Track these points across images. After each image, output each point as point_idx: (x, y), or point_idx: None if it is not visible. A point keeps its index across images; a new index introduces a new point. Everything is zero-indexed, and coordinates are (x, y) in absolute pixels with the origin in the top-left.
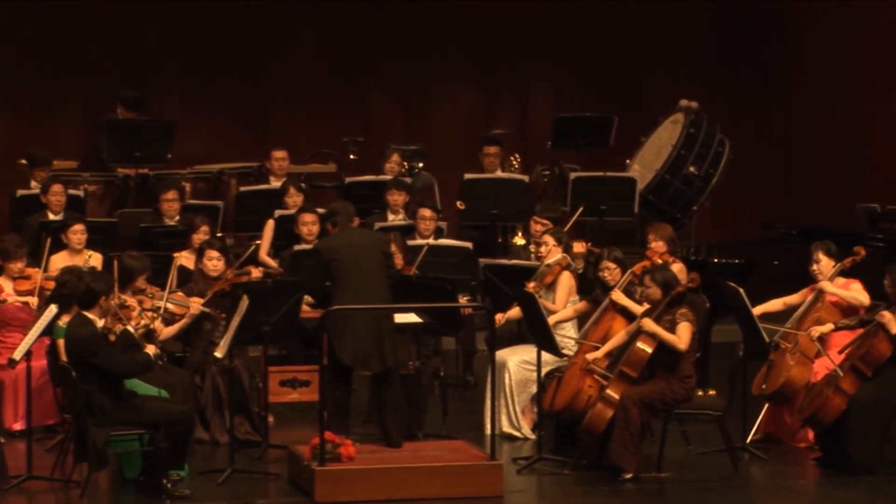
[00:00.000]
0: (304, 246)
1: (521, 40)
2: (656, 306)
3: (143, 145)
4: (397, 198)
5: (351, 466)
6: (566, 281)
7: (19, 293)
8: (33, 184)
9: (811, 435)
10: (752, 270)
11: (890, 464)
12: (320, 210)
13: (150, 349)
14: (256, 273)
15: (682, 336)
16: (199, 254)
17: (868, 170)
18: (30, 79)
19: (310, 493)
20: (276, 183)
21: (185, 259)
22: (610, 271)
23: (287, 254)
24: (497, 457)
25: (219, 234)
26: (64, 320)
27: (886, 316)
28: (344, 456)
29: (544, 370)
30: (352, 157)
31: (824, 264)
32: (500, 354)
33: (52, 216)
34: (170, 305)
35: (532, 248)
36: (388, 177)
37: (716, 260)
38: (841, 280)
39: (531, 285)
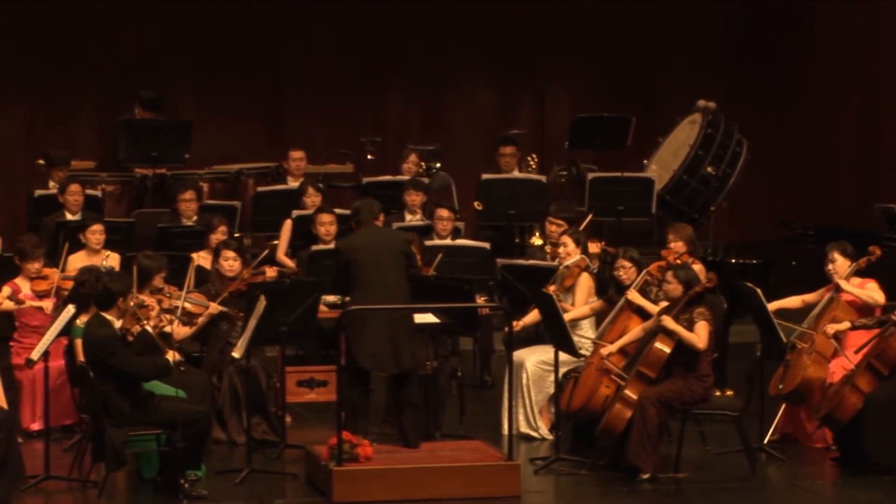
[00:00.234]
0: (321, 246)
1: (539, 40)
2: (674, 305)
3: (160, 145)
4: (415, 198)
5: (368, 466)
6: (585, 283)
7: (37, 293)
8: (51, 184)
9: (829, 435)
10: (770, 271)
11: None
12: (338, 210)
13: (172, 355)
14: (271, 273)
15: (700, 335)
16: (216, 254)
17: (884, 170)
18: (47, 79)
19: (327, 493)
20: (293, 183)
21: (202, 259)
22: (626, 270)
23: (304, 254)
24: (514, 457)
25: (236, 235)
26: (82, 320)
27: None
28: (361, 456)
29: (562, 370)
30: (369, 157)
31: (840, 264)
32: (518, 354)
33: (69, 216)
34: (188, 305)
35: (548, 248)
36: (406, 177)
37: (733, 260)
38: (857, 280)
39: (551, 289)
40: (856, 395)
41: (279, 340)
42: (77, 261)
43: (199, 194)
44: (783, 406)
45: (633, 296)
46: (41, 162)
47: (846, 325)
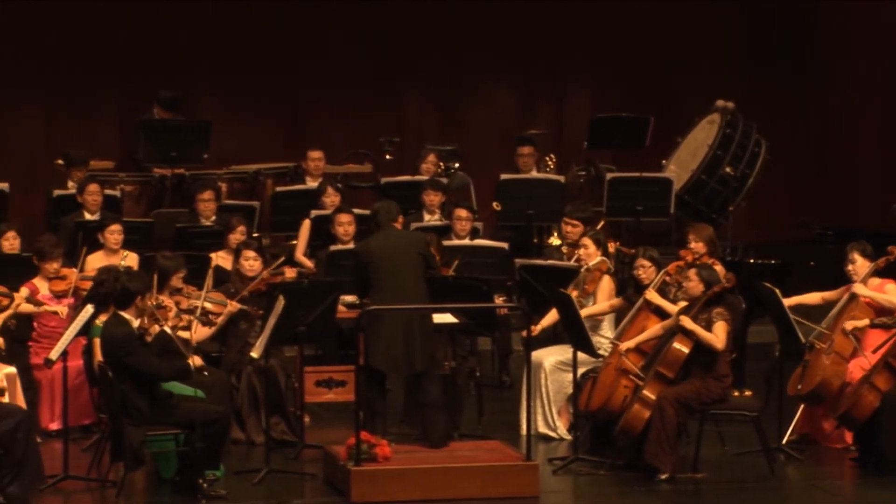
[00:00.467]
0: (340, 246)
1: (558, 40)
2: (693, 304)
3: (179, 146)
4: (433, 198)
5: (387, 467)
6: (606, 286)
7: (55, 293)
8: (70, 184)
9: (848, 436)
10: (788, 271)
11: None
12: (357, 210)
13: (196, 361)
14: (291, 273)
15: (718, 335)
16: (237, 254)
17: None
18: (66, 79)
19: (346, 493)
20: (312, 183)
21: (221, 259)
22: (645, 270)
23: (323, 254)
24: (533, 457)
25: (255, 235)
26: (101, 320)
27: None
28: (380, 456)
29: (580, 370)
30: (388, 157)
31: (860, 265)
32: (536, 355)
33: (88, 216)
34: (207, 305)
35: (564, 249)
36: (424, 177)
37: (752, 260)
38: (876, 280)
39: (574, 294)
40: (873, 394)
41: (298, 340)
42: (95, 261)
43: (217, 194)
44: (802, 406)
45: (652, 295)
46: (60, 162)
47: (865, 321)
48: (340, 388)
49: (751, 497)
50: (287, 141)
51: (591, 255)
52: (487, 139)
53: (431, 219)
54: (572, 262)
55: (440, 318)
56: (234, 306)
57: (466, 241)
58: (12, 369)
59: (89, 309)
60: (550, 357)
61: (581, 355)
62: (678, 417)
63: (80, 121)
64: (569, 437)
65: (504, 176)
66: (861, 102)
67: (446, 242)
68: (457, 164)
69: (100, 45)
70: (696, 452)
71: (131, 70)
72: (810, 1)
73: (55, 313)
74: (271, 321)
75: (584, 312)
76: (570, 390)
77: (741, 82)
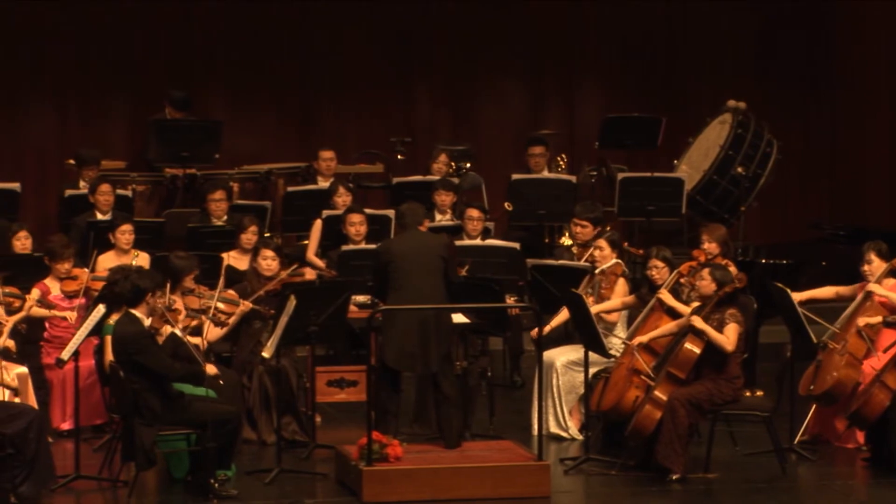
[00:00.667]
0: (351, 246)
1: (569, 40)
2: (705, 304)
3: (190, 145)
4: (445, 198)
5: (398, 466)
6: (621, 289)
7: (66, 294)
8: (81, 184)
9: (860, 435)
10: (800, 271)
11: None
12: (368, 210)
13: (211, 369)
14: (311, 275)
15: (729, 336)
16: (255, 253)
17: None
18: (77, 79)
19: (357, 493)
20: (323, 183)
21: (233, 259)
22: (658, 270)
23: (335, 254)
24: (544, 457)
25: (266, 235)
26: (114, 319)
27: None
28: (391, 456)
29: (592, 370)
30: (399, 157)
31: (876, 265)
32: (548, 355)
33: (99, 216)
34: (220, 305)
35: (575, 249)
36: (436, 177)
37: (763, 261)
38: (891, 281)
39: (590, 300)
40: (884, 393)
41: (309, 340)
42: (106, 261)
43: (229, 194)
44: (814, 407)
45: (665, 296)
46: (71, 162)
47: (878, 319)
48: (352, 388)
49: (762, 497)
50: (299, 141)
51: (606, 256)
52: (499, 139)
53: (443, 219)
54: (583, 262)
55: (453, 317)
56: (246, 306)
57: (478, 242)
58: (24, 369)
59: (101, 309)
60: (562, 357)
61: (593, 355)
62: (689, 418)
63: (91, 121)
64: (580, 437)
65: (515, 176)
66: (872, 103)
67: (458, 242)
68: (468, 165)
69: (111, 45)
70: (708, 453)
71: (143, 70)
72: (822, 2)
73: (64, 319)
74: (283, 321)
75: (595, 309)
76: (581, 390)
77: (753, 82)
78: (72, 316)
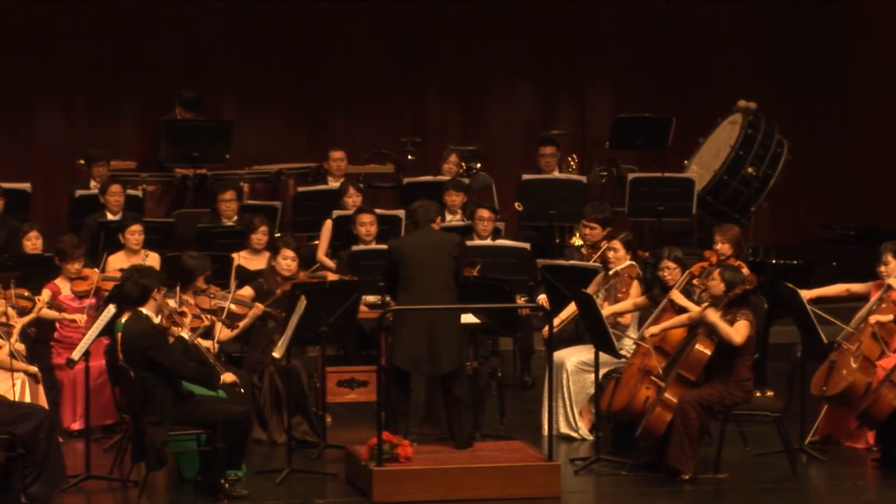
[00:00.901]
0: (361, 246)
1: (580, 41)
2: (716, 305)
3: (200, 146)
4: (455, 198)
5: (408, 467)
6: (635, 292)
7: (76, 294)
8: (92, 184)
9: (870, 436)
10: (811, 271)
11: None
12: (378, 210)
13: (229, 377)
14: (332, 277)
15: (739, 330)
16: (274, 251)
17: None
18: (88, 79)
19: (367, 493)
20: (334, 183)
21: (243, 259)
22: (670, 271)
23: (345, 254)
24: (554, 457)
25: (277, 235)
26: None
27: None
28: (402, 456)
29: (602, 371)
30: (410, 157)
31: (893, 266)
32: (558, 355)
33: (110, 216)
34: (233, 306)
35: (584, 250)
36: (446, 177)
37: (774, 261)
38: None
39: (605, 304)
40: (893, 392)
41: (320, 340)
42: (117, 261)
43: (239, 194)
44: (825, 407)
45: (676, 296)
46: (81, 162)
47: (889, 317)
48: (362, 389)
49: (773, 498)
50: (309, 141)
51: (620, 258)
52: (509, 139)
53: (453, 219)
54: (594, 263)
55: (462, 318)
56: (258, 309)
57: (488, 242)
58: (34, 369)
59: (111, 309)
60: (572, 357)
61: (603, 356)
62: (700, 420)
63: (101, 121)
64: (590, 438)
65: (526, 176)
66: (883, 103)
67: (468, 243)
68: (479, 165)
69: (121, 45)
70: (718, 453)
71: (153, 70)
72: (833, 2)
73: (73, 321)
74: (293, 321)
75: (608, 311)
76: (591, 391)
77: (763, 83)
78: (81, 319)
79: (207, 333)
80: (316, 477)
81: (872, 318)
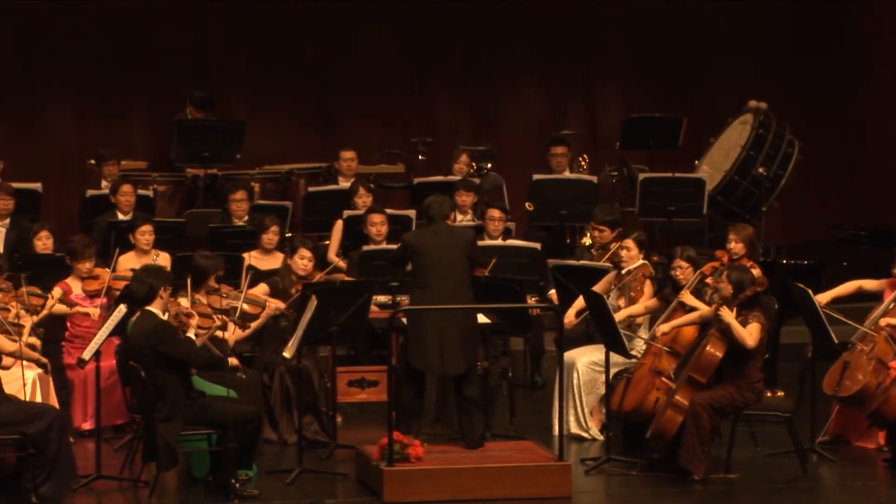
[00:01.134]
0: (372, 246)
1: (590, 41)
2: (728, 305)
3: (211, 146)
4: (466, 198)
5: (419, 467)
6: (648, 291)
7: (88, 293)
8: (103, 184)
9: (881, 436)
10: (822, 271)
11: None
12: (389, 210)
13: (232, 360)
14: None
15: (752, 333)
16: (292, 250)
17: None
18: (98, 80)
19: (378, 493)
20: (344, 183)
21: (254, 259)
22: (682, 270)
23: (355, 254)
24: (565, 457)
25: (287, 235)
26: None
27: None
28: (412, 456)
29: (613, 371)
30: (420, 157)
31: None
32: (569, 355)
33: (121, 216)
34: (245, 306)
35: (594, 252)
36: (457, 177)
37: (785, 261)
38: None
39: (620, 301)
40: None
41: (331, 340)
42: (127, 261)
43: (250, 194)
44: (836, 407)
45: (687, 297)
46: (92, 162)
47: None
48: (373, 388)
49: (783, 498)
50: (320, 141)
51: (633, 257)
52: (520, 139)
53: (464, 219)
54: (605, 263)
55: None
56: (271, 309)
57: (499, 242)
58: (44, 360)
59: (122, 309)
60: (583, 357)
61: (614, 356)
62: (712, 422)
63: (112, 121)
64: (601, 438)
65: (537, 176)
66: (893, 102)
67: (479, 243)
68: (489, 165)
69: (132, 45)
70: (729, 453)
71: (164, 70)
72: (844, 1)
73: (87, 314)
74: (304, 321)
75: (622, 313)
76: (602, 391)
77: (774, 83)
78: (95, 312)
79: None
80: (326, 477)
81: (883, 322)
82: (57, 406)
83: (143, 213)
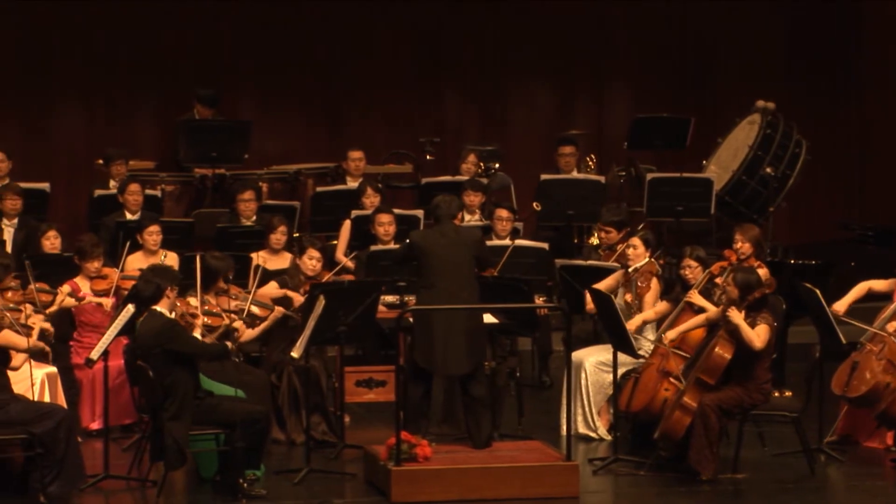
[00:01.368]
0: (380, 246)
1: (598, 41)
2: (736, 306)
3: (219, 146)
4: (473, 198)
5: (427, 467)
6: (655, 289)
7: (96, 293)
8: (111, 183)
9: (889, 436)
10: (829, 271)
11: None
12: (397, 210)
13: (228, 345)
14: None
15: (760, 334)
16: (301, 250)
17: None
18: (106, 79)
19: (386, 493)
20: (352, 183)
21: (262, 259)
22: (692, 270)
23: (363, 254)
24: (573, 457)
25: (295, 235)
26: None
27: None
28: (420, 456)
29: (621, 370)
30: (428, 157)
31: None
32: (577, 355)
33: (129, 216)
34: (254, 308)
35: (601, 252)
36: (465, 177)
37: (792, 261)
38: None
39: (628, 297)
40: None
41: (338, 340)
42: (135, 261)
43: (258, 194)
44: (845, 407)
45: (695, 297)
46: (100, 161)
47: None
48: (381, 388)
49: (791, 498)
50: (328, 141)
51: (639, 255)
52: (528, 139)
53: (472, 219)
54: (612, 262)
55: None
56: (279, 311)
57: (507, 242)
58: (53, 369)
59: (130, 308)
60: (591, 357)
61: (622, 355)
62: (720, 423)
63: (120, 121)
64: (609, 438)
65: (544, 176)
66: None
67: (487, 243)
68: (497, 165)
69: (140, 45)
70: (736, 453)
71: (171, 70)
72: (851, 1)
73: (99, 305)
74: (311, 321)
75: (636, 319)
76: (610, 391)
77: (782, 83)
78: (107, 302)
79: (229, 334)
80: (334, 477)
81: (890, 327)
82: (65, 406)
83: (150, 213)
